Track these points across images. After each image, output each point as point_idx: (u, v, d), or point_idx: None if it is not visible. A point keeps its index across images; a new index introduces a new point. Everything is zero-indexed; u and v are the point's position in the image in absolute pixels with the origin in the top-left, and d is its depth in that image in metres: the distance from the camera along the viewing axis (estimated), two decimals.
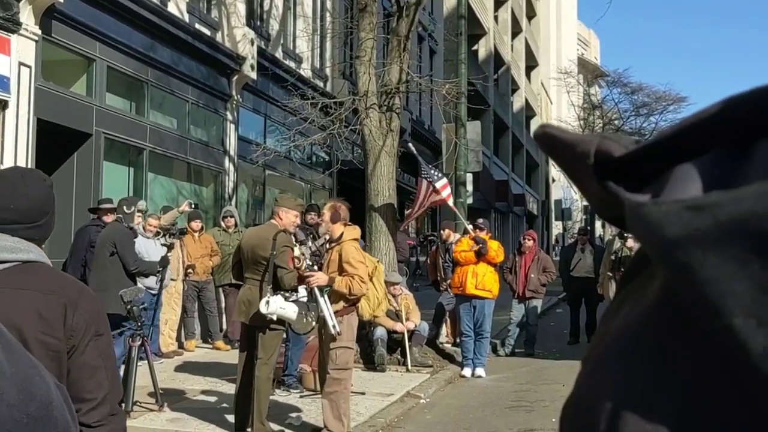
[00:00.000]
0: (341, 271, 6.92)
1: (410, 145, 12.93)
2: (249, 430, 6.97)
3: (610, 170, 0.46)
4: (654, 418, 0.42)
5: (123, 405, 7.44)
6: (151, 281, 10.09)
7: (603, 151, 0.47)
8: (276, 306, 6.66)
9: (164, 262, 8.97)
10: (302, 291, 6.95)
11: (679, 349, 0.43)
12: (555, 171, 54.41)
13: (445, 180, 12.56)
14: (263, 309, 6.67)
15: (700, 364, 0.41)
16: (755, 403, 0.39)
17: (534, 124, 49.57)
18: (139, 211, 9.41)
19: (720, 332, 0.38)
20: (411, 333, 10.93)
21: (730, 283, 0.38)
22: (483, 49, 35.72)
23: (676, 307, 0.43)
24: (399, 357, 10.87)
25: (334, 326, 6.65)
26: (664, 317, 0.44)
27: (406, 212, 12.94)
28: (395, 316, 10.86)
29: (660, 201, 0.41)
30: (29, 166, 9.45)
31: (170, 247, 9.71)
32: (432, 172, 12.42)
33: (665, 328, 0.44)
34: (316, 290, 6.71)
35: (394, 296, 10.90)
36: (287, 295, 6.77)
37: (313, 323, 6.87)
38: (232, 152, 14.98)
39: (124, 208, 9.41)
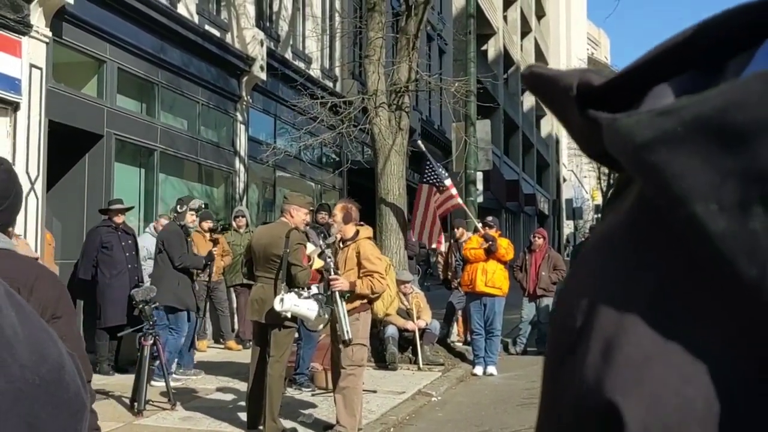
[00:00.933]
0: (358, 268, 6.95)
1: (419, 142, 12.90)
2: (261, 427, 6.99)
3: (593, 101, 0.48)
4: (626, 309, 0.44)
5: (136, 404, 7.50)
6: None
7: (585, 82, 0.49)
8: (290, 303, 6.69)
9: (210, 257, 9.56)
10: (314, 288, 6.98)
11: (650, 246, 0.45)
12: (566, 170, 54.29)
13: (449, 179, 12.56)
14: (277, 306, 6.70)
15: (669, 259, 0.44)
16: (720, 292, 0.41)
17: (544, 124, 49.54)
18: (191, 209, 9.54)
19: (685, 220, 0.41)
20: (422, 331, 10.94)
21: (694, 175, 0.41)
22: (492, 48, 35.70)
23: (647, 209, 0.46)
24: (410, 355, 10.87)
25: (347, 332, 6.66)
26: (637, 219, 0.47)
27: (413, 219, 12.81)
28: (406, 314, 10.87)
29: (632, 112, 0.44)
30: (41, 168, 9.52)
31: (215, 242, 10.43)
32: (440, 170, 12.40)
33: (638, 229, 0.47)
34: (337, 295, 6.74)
35: (405, 295, 10.91)
36: (300, 292, 6.80)
37: (327, 318, 6.89)
38: (242, 153, 15.02)
39: (177, 207, 9.69)
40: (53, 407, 0.70)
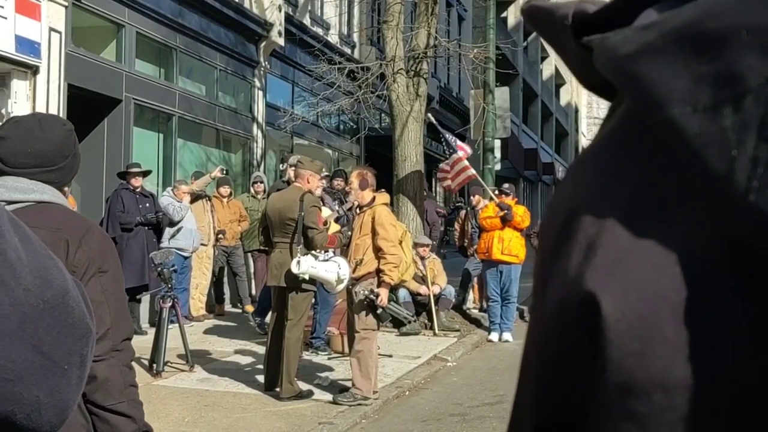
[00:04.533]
0: (373, 233, 6.99)
1: (429, 115, 12.75)
2: (278, 389, 7.08)
3: (588, 30, 0.51)
4: (607, 210, 0.48)
5: (155, 366, 7.61)
6: (183, 243, 10.27)
7: (580, 11, 0.52)
8: (307, 266, 6.75)
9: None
10: (331, 252, 7.04)
11: (631, 151, 0.49)
12: (585, 140, 53.93)
13: (462, 151, 12.34)
14: (294, 269, 6.76)
15: (648, 160, 0.47)
16: (693, 187, 0.45)
17: (564, 93, 49.13)
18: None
19: (663, 124, 0.44)
20: (437, 297, 10.98)
21: (671, 81, 0.44)
22: (512, 16, 35.34)
23: (630, 119, 0.49)
24: (426, 321, 10.92)
25: (406, 317, 6.87)
26: (621, 130, 0.51)
27: (443, 179, 12.71)
28: (421, 280, 10.90)
29: (618, 30, 0.47)
30: None
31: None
32: (452, 142, 12.21)
33: (620, 137, 0.51)
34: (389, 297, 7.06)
35: (422, 259, 10.94)
36: (317, 254, 6.85)
37: (345, 282, 6.94)
38: (260, 119, 15.03)
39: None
40: (58, 331, 0.71)
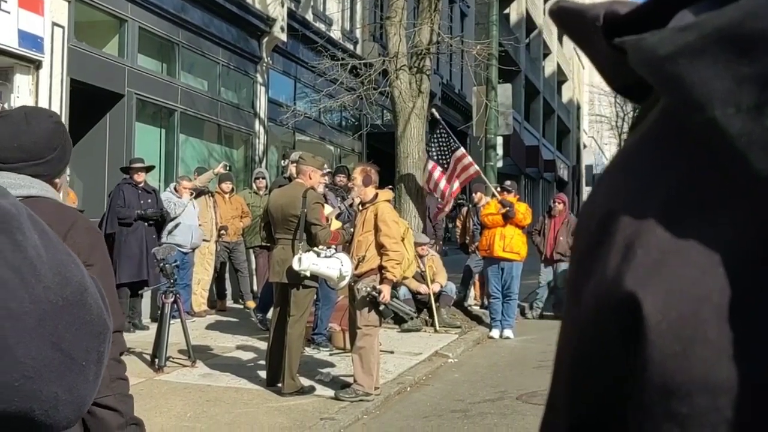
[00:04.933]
0: (375, 231, 7.00)
1: (434, 110, 12.71)
2: (280, 385, 7.08)
3: (618, 31, 0.51)
4: (645, 211, 0.48)
5: (156, 360, 7.61)
6: (182, 239, 10.27)
7: (611, 12, 0.52)
8: (309, 262, 6.75)
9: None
10: (333, 248, 7.04)
11: (670, 151, 0.49)
12: (586, 137, 53.92)
13: (462, 149, 12.19)
14: (296, 266, 6.76)
15: (687, 161, 0.47)
16: (735, 187, 0.45)
17: (566, 90, 49.09)
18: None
19: (705, 125, 0.44)
20: (438, 294, 10.98)
21: (712, 82, 0.44)
22: (515, 12, 35.30)
23: (668, 120, 0.49)
24: (427, 318, 10.93)
25: (408, 313, 6.89)
26: (658, 131, 0.50)
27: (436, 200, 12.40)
28: (421, 277, 10.90)
29: (655, 31, 0.47)
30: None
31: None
32: (451, 141, 12.03)
33: (658, 139, 0.50)
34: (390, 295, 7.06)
35: (420, 257, 10.94)
36: (320, 251, 6.85)
37: (347, 279, 6.95)
38: (262, 114, 15.03)
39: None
40: (77, 328, 0.71)
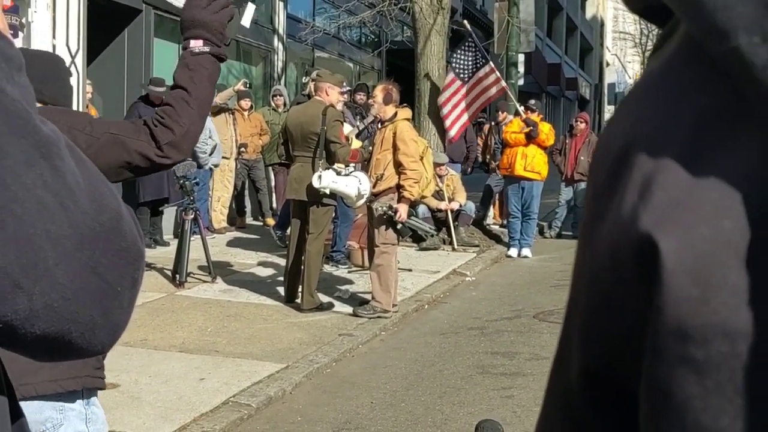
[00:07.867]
0: (394, 149, 6.98)
1: (465, 21, 12.42)
2: (298, 301, 7.18)
3: None
4: (664, 146, 0.45)
5: (177, 276, 7.73)
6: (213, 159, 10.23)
7: None
8: (328, 180, 6.75)
9: None
10: (352, 167, 7.03)
11: (691, 83, 0.46)
12: (609, 55, 53.03)
13: (490, 64, 11.73)
14: (316, 183, 6.77)
15: (709, 93, 0.45)
16: (758, 121, 0.42)
17: (589, 6, 48.02)
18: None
19: (728, 54, 0.42)
20: (457, 213, 10.99)
21: (736, 7, 0.41)
22: None
23: (689, 49, 0.46)
24: (445, 236, 10.96)
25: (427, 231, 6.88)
26: (679, 60, 0.47)
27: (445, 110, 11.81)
28: (439, 196, 10.90)
29: None
30: (81, 42, 9.50)
31: None
32: (478, 56, 11.59)
33: (679, 69, 0.47)
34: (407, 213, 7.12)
35: (440, 177, 10.91)
36: (339, 169, 6.85)
37: (365, 197, 6.96)
38: (281, 31, 14.83)
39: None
40: (113, 254, 0.73)
